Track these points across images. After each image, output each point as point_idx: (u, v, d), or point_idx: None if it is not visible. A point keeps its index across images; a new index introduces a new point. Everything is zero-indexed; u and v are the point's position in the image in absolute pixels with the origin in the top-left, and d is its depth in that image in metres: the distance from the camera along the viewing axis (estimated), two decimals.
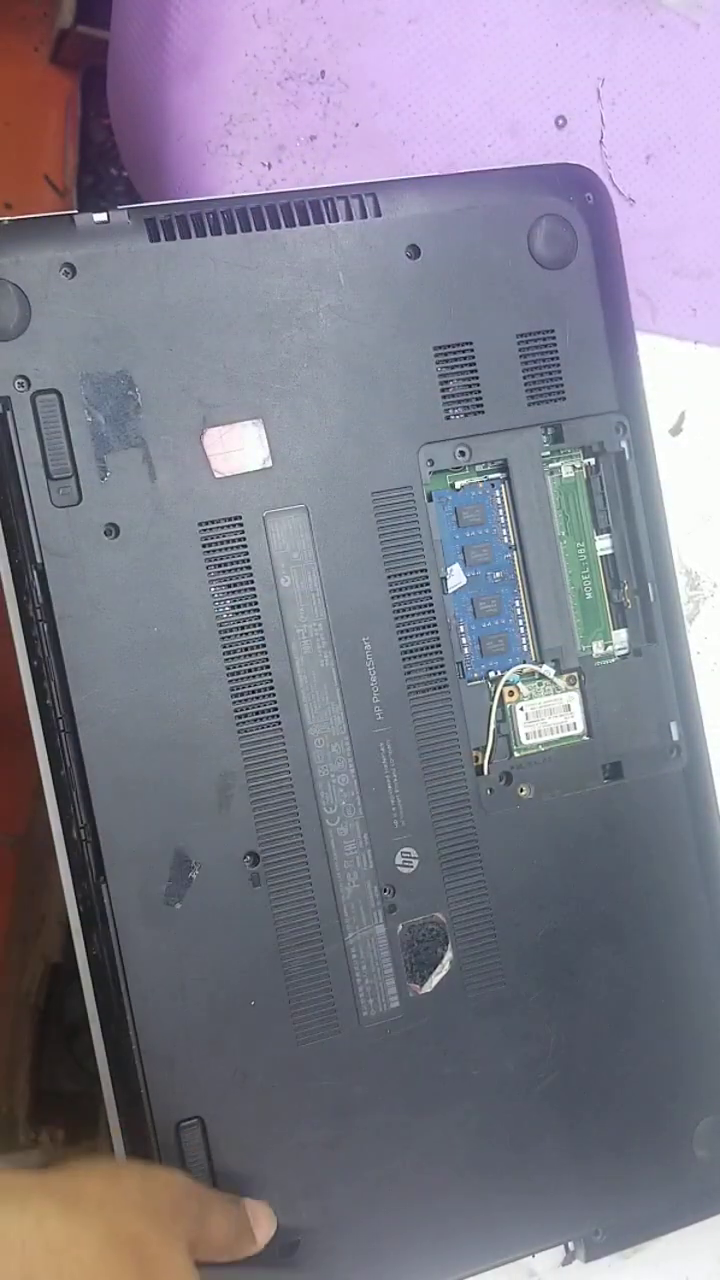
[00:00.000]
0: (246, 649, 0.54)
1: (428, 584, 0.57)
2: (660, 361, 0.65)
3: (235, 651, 0.54)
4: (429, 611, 0.57)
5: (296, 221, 0.55)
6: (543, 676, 0.59)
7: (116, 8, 0.66)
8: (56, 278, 0.52)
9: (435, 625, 0.57)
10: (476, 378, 0.58)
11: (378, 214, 0.56)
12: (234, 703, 0.54)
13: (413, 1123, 0.56)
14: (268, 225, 0.55)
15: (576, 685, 0.60)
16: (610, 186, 0.64)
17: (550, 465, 0.60)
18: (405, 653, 0.56)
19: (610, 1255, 0.60)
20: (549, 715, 0.59)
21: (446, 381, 0.57)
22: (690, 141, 0.65)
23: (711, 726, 0.65)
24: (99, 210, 0.53)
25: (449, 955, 0.57)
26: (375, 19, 0.61)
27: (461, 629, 0.58)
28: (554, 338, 0.59)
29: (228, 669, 0.54)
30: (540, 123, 0.62)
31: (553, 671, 0.59)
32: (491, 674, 0.59)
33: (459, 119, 0.62)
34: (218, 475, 0.54)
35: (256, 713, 0.54)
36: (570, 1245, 0.60)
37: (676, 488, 0.66)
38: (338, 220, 0.56)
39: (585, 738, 0.60)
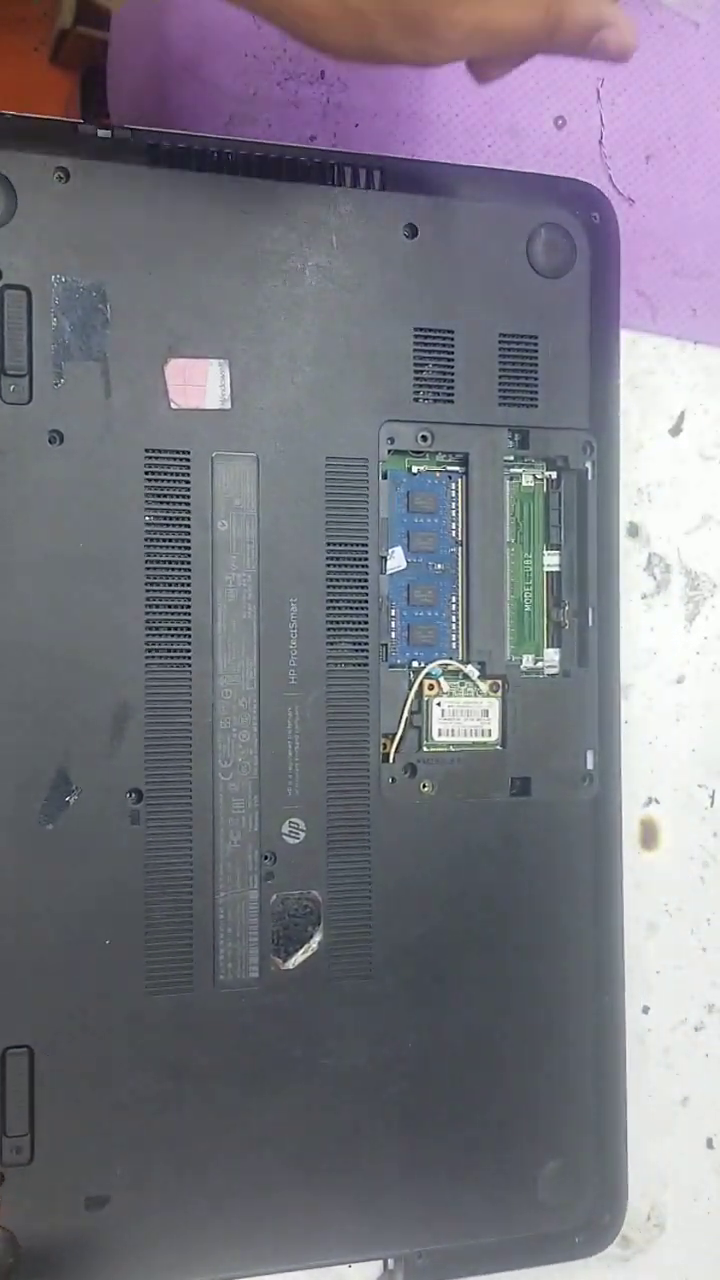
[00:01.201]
0: (170, 584, 0.53)
1: (366, 560, 0.56)
2: (660, 361, 0.65)
3: (158, 585, 0.53)
4: (363, 587, 0.56)
5: (300, 178, 0.55)
6: (466, 677, 0.58)
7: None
8: (49, 179, 0.52)
9: (367, 602, 0.56)
10: (452, 367, 0.57)
11: (382, 187, 0.56)
12: (147, 635, 0.53)
13: (250, 1100, 0.54)
14: (270, 175, 0.55)
15: (498, 693, 0.59)
16: (610, 187, 0.64)
17: (511, 470, 0.59)
18: (331, 623, 0.56)
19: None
20: (465, 717, 0.58)
21: (422, 364, 0.57)
22: (690, 141, 0.65)
23: (708, 727, 0.65)
24: (104, 126, 0.53)
25: (318, 936, 0.55)
26: None
27: (393, 612, 0.57)
28: (536, 344, 0.59)
29: (147, 600, 0.53)
30: (540, 123, 0.62)
31: (477, 674, 0.58)
32: (414, 663, 0.58)
33: (459, 119, 0.62)
34: (174, 406, 0.53)
35: (169, 650, 0.53)
36: (390, 1263, 0.57)
37: (676, 488, 0.65)
38: (341, 185, 0.56)
39: (498, 747, 0.59)
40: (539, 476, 0.60)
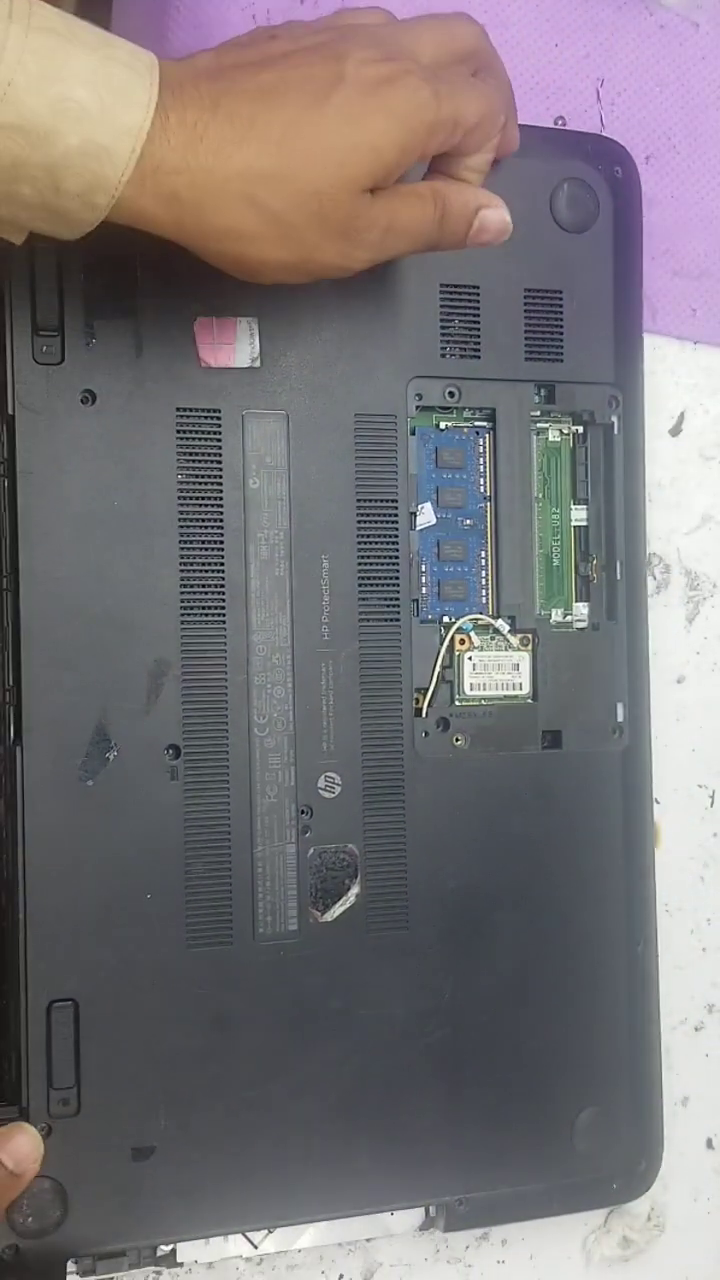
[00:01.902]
0: (204, 542, 0.54)
1: (396, 516, 0.57)
2: (660, 361, 0.65)
3: (192, 542, 0.54)
4: (393, 543, 0.56)
5: None
6: (496, 631, 0.59)
7: (117, 7, 0.66)
8: None
9: (397, 558, 0.56)
10: (478, 323, 0.58)
11: None
12: (181, 592, 0.53)
13: (290, 1051, 0.55)
14: None
15: (529, 647, 0.59)
16: None
17: (538, 425, 0.59)
18: (363, 578, 0.56)
19: (477, 1230, 0.59)
20: (496, 670, 0.59)
21: (448, 321, 0.57)
22: (690, 141, 0.65)
23: (708, 727, 0.65)
24: None
25: (355, 889, 0.56)
26: None
27: (423, 568, 0.58)
28: (561, 299, 0.59)
29: (181, 558, 0.53)
30: (541, 123, 0.62)
31: (507, 628, 0.59)
32: (445, 618, 0.58)
33: None
34: (204, 364, 0.54)
35: (203, 607, 0.54)
36: (431, 1210, 0.58)
37: (676, 488, 0.66)
38: None
39: (529, 700, 0.59)
40: (565, 431, 0.60)
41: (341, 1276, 0.59)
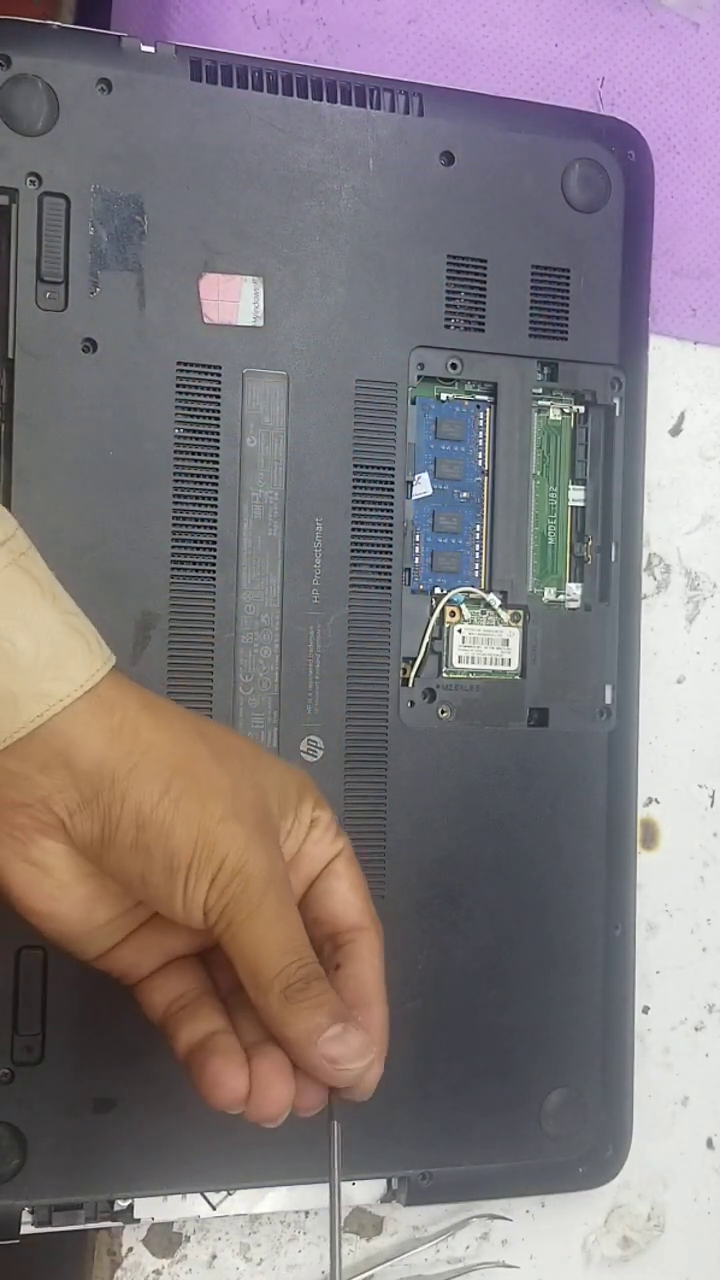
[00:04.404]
0: (197, 498, 0.54)
1: (392, 484, 0.56)
2: (660, 361, 0.65)
3: (186, 498, 0.54)
4: (388, 511, 0.56)
5: (339, 99, 0.55)
6: (488, 605, 0.59)
7: (117, 8, 0.66)
8: (91, 89, 0.52)
9: (391, 526, 0.56)
10: (484, 296, 0.58)
11: (420, 114, 0.57)
12: (173, 547, 0.53)
13: None
14: (310, 95, 0.55)
15: (519, 623, 0.59)
16: None
17: (539, 403, 0.59)
18: (356, 544, 0.56)
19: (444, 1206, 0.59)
20: (485, 645, 0.58)
21: (454, 293, 0.57)
22: (690, 141, 0.66)
23: (708, 727, 0.65)
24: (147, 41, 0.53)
25: None
26: (375, 19, 0.61)
27: (417, 537, 0.58)
28: (568, 277, 0.59)
29: (174, 512, 0.53)
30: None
31: (498, 603, 0.59)
32: (437, 590, 0.58)
33: None
34: (206, 321, 0.54)
35: (194, 563, 0.54)
36: (393, 1183, 0.58)
37: (676, 488, 0.66)
38: (379, 109, 0.56)
39: (518, 677, 0.59)
40: (567, 411, 0.60)
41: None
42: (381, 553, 0.56)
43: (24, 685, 0.41)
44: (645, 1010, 0.64)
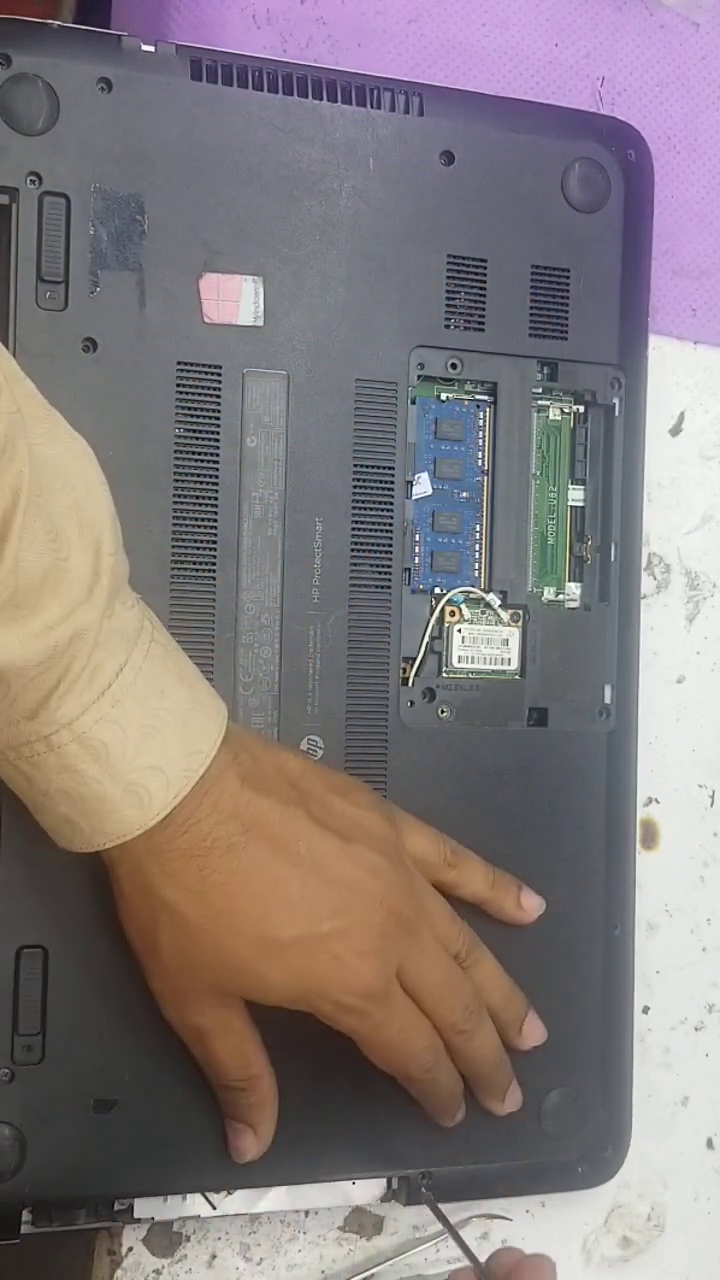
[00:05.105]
0: (197, 498, 0.54)
1: (392, 483, 0.57)
2: (660, 361, 0.65)
3: (186, 498, 0.54)
4: (388, 510, 0.56)
5: (339, 99, 0.55)
6: (487, 605, 0.59)
7: (117, 7, 0.66)
8: (91, 89, 0.52)
9: (391, 525, 0.56)
10: (484, 296, 0.58)
11: (420, 113, 0.57)
12: (173, 547, 0.53)
13: (259, 1015, 0.54)
14: (310, 95, 0.55)
15: (519, 623, 0.59)
16: None
17: (539, 403, 0.59)
18: (356, 544, 0.56)
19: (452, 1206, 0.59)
20: (485, 644, 0.58)
21: (454, 292, 0.57)
22: (690, 141, 0.66)
23: (708, 727, 0.65)
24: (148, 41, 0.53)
25: None
26: (375, 19, 0.61)
27: (417, 537, 0.58)
28: (568, 277, 0.59)
29: (174, 512, 0.53)
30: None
31: (498, 603, 0.59)
32: (437, 589, 0.58)
33: None
34: (207, 320, 0.54)
35: (194, 563, 0.54)
36: (393, 1183, 0.58)
37: (676, 488, 0.66)
38: (380, 109, 0.56)
39: (517, 676, 0.59)
40: (566, 411, 0.60)
41: None
42: (381, 552, 0.56)
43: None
44: (645, 1010, 0.64)
